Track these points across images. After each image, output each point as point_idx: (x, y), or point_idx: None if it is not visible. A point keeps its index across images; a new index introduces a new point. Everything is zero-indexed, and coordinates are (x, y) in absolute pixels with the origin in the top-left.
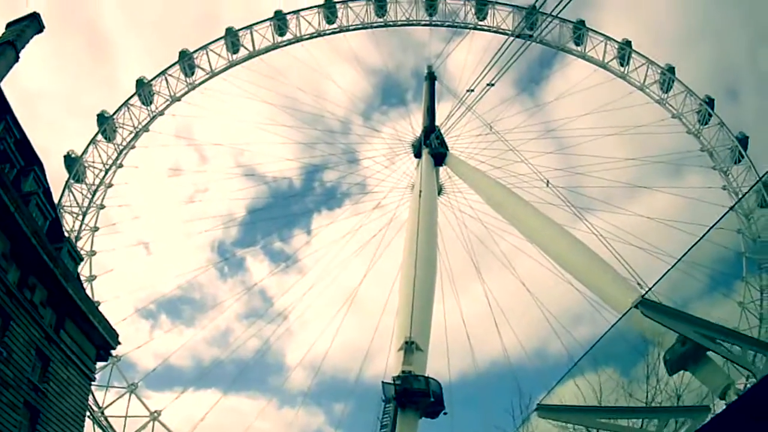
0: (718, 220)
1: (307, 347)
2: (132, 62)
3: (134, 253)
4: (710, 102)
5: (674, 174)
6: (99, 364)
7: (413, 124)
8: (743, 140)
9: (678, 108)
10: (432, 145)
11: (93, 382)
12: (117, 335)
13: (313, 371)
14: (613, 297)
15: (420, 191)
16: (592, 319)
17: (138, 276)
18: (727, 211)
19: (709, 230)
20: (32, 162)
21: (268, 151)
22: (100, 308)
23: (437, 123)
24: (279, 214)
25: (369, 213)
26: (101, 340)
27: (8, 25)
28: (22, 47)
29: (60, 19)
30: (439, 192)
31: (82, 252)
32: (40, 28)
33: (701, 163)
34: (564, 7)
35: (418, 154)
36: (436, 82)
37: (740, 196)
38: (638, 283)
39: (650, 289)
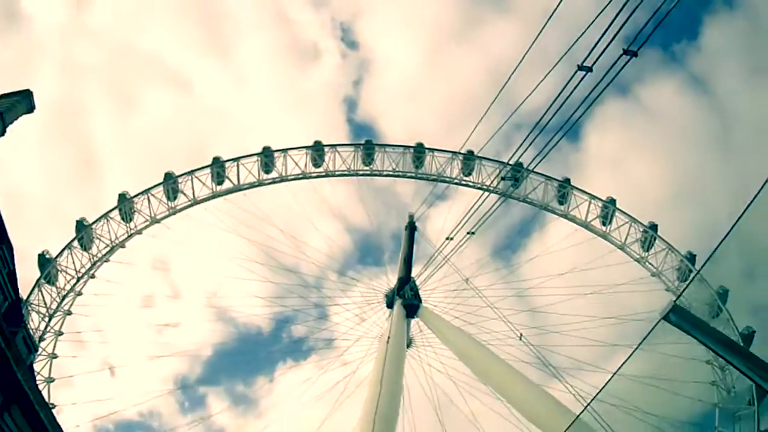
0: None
1: None
2: (119, 179)
3: (95, 366)
4: (692, 258)
5: (652, 331)
6: None
7: (388, 276)
8: (723, 294)
9: (658, 266)
10: (405, 296)
11: None
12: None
13: None
14: None
15: (388, 338)
16: None
17: (97, 391)
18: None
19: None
20: (1, 240)
21: (241, 290)
22: (55, 412)
23: (413, 275)
24: (244, 359)
25: (333, 361)
26: None
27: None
28: (11, 122)
29: (52, 127)
30: (409, 345)
31: (44, 353)
32: (31, 107)
33: None
34: (542, 160)
35: (390, 305)
36: (416, 233)
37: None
38: None
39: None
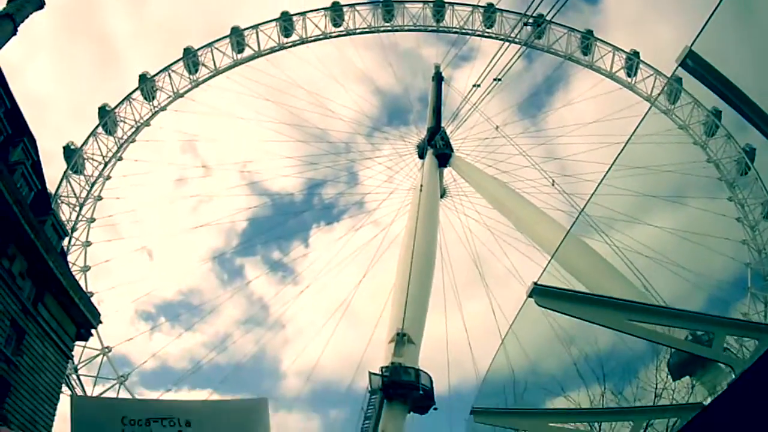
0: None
1: (303, 355)
2: (139, 64)
3: (130, 247)
4: (717, 114)
5: (680, 185)
6: (86, 350)
7: (419, 129)
8: (750, 152)
9: (685, 119)
10: (437, 146)
11: (76, 365)
12: (99, 314)
13: (309, 378)
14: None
15: (421, 186)
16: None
17: (134, 272)
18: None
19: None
20: (22, 133)
21: (271, 155)
22: (95, 300)
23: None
24: (279, 226)
25: (368, 216)
26: (81, 317)
27: (9, 0)
28: (21, 21)
29: (68, 24)
30: (443, 195)
31: (77, 242)
32: (40, 4)
33: (708, 174)
34: (559, 9)
35: (422, 155)
36: (443, 84)
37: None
38: (645, 288)
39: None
